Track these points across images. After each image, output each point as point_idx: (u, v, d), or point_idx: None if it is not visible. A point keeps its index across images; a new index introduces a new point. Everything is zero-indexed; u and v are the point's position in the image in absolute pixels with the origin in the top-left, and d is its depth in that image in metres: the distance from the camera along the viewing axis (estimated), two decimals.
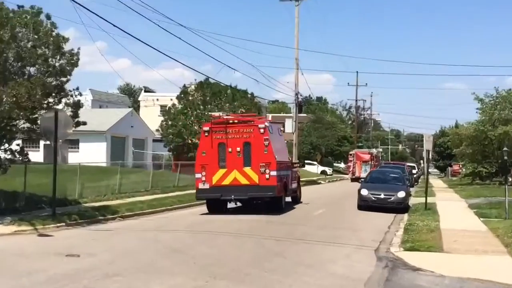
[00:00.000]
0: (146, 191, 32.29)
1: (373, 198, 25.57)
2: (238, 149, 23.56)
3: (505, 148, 23.72)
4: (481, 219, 21.47)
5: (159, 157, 53.77)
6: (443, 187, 49.13)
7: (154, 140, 59.88)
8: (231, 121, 24.19)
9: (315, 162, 73.98)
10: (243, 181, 23.47)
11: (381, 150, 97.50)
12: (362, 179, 30.53)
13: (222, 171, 23.58)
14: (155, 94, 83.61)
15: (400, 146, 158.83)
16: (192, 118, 47.11)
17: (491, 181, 49.60)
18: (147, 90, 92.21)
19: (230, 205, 25.34)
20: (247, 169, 23.43)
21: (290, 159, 28.67)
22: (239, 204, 25.93)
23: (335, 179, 66.27)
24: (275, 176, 23.38)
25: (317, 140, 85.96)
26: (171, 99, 55.04)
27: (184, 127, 46.83)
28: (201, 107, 46.62)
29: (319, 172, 72.66)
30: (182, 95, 49.30)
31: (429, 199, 27.16)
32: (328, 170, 78.84)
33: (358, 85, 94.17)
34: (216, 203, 24.09)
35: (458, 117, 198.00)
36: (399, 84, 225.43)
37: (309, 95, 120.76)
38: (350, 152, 65.73)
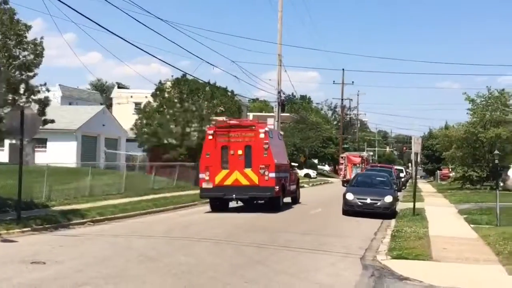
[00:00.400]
0: (119, 194, 32.02)
1: (359, 203, 25.57)
2: (240, 151, 26.54)
3: (496, 152, 23.77)
4: (472, 225, 21.47)
5: (133, 158, 53.47)
6: (432, 192, 49.26)
7: (128, 140, 59.49)
8: (234, 126, 27.24)
9: (297, 165, 75.21)
10: (244, 181, 26.37)
11: (371, 153, 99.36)
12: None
13: (224, 172, 26.53)
14: (129, 90, 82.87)
15: (387, 148, 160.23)
16: (168, 116, 46.79)
17: (481, 185, 49.29)
18: (121, 86, 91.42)
19: (232, 204, 27.93)
20: (248, 171, 26.37)
21: (289, 162, 31.23)
22: (240, 203, 28.45)
23: (320, 183, 66.20)
24: (274, 177, 26.24)
25: (301, 141, 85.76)
26: (146, 96, 54.74)
27: (160, 126, 46.52)
28: (178, 105, 46.31)
29: (302, 175, 72.48)
30: (158, 92, 48.95)
31: (418, 204, 27.11)
32: (312, 173, 78.40)
33: (344, 83, 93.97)
34: (219, 202, 26.94)
35: (448, 118, 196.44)
36: (387, 83, 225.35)
37: (293, 94, 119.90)
38: (342, 155, 69.32)
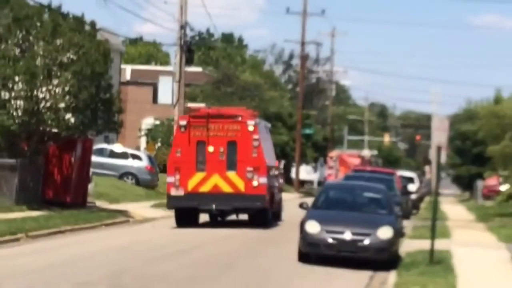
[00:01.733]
0: None
1: (330, 240, 16.26)
2: (222, 149, 22.75)
3: None
4: None
5: None
6: (467, 220, 34.03)
7: None
8: (213, 115, 23.39)
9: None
10: (226, 188, 22.77)
11: (376, 152, 70.20)
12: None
13: (200, 175, 22.75)
14: None
15: (386, 137, 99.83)
16: None
17: None
18: None
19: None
20: (231, 174, 22.80)
21: (278, 163, 28.01)
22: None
23: None
24: (265, 183, 22.81)
25: None
26: None
27: None
28: None
29: None
30: None
31: (440, 244, 17.98)
32: None
33: (308, 14, 56.38)
34: (188, 215, 23.31)
35: (500, 83, 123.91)
36: (386, 16, 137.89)
37: (209, 30, 73.98)
38: (331, 155, 55.97)
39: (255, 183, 22.50)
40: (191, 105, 27.41)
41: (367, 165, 49.45)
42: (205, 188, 22.58)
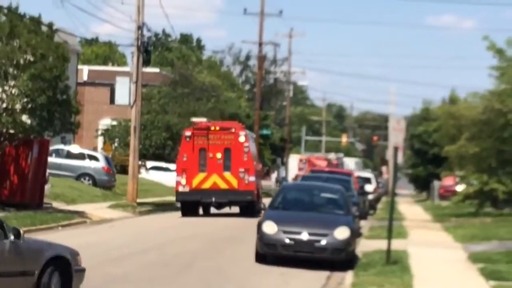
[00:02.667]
0: None
1: (287, 241, 16.05)
2: (219, 154, 27.60)
3: None
4: (492, 282, 14.51)
5: None
6: (424, 220, 33.34)
7: None
8: (212, 128, 28.36)
9: (174, 166, 47.81)
10: (223, 185, 27.61)
11: (341, 155, 68.79)
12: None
13: (202, 175, 27.57)
14: None
15: (344, 138, 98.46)
16: None
17: None
18: None
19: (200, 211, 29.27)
20: (227, 174, 27.62)
21: (260, 167, 34.12)
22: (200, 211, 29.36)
23: None
24: (254, 181, 27.77)
25: (181, 121, 49.69)
26: None
27: None
28: None
29: None
30: None
31: (396, 243, 17.93)
32: None
33: (266, 14, 54.74)
34: (192, 207, 28.21)
35: (456, 84, 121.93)
36: (344, 16, 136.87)
37: (164, 31, 75.46)
38: (301, 157, 58.57)
39: (246, 181, 27.46)
40: (195, 119, 30.96)
41: (333, 167, 49.77)
42: (206, 185, 27.56)
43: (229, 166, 27.68)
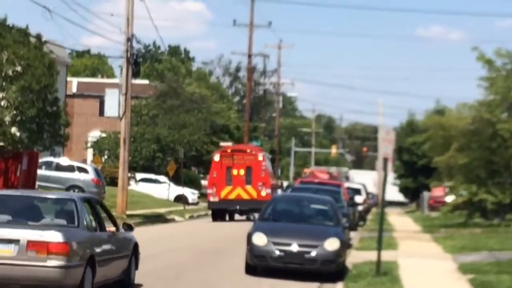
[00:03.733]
0: None
1: (277, 252, 15.91)
2: (242, 171, 33.37)
3: None
4: None
5: None
6: (414, 231, 33.09)
7: None
8: (236, 150, 35.29)
9: (164, 178, 46.24)
10: (245, 196, 33.17)
11: (346, 169, 70.51)
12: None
13: (228, 188, 33.23)
14: None
15: (333, 149, 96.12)
16: None
17: (502, 219, 31.85)
18: None
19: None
20: (248, 187, 33.32)
21: (277, 181, 42.31)
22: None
23: (207, 213, 38.28)
24: (270, 193, 32.73)
25: (170, 133, 50.91)
26: None
27: None
28: None
29: (171, 197, 45.62)
30: None
31: (386, 255, 17.64)
32: (192, 194, 46.76)
33: (255, 26, 55.21)
34: (220, 213, 33.92)
35: (444, 96, 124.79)
36: (333, 28, 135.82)
37: (155, 43, 78.28)
38: (305, 170, 63.10)
39: (263, 193, 32.81)
40: (222, 144, 38.89)
41: (334, 180, 49.29)
42: (232, 196, 33.19)
43: (250, 181, 33.49)
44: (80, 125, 55.71)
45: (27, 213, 11.63)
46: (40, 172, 29.98)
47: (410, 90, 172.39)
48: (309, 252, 15.80)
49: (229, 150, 35.15)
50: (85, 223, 11.54)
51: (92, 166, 38.98)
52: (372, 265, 16.57)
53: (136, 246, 13.32)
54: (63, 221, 11.43)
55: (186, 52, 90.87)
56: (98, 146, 50.80)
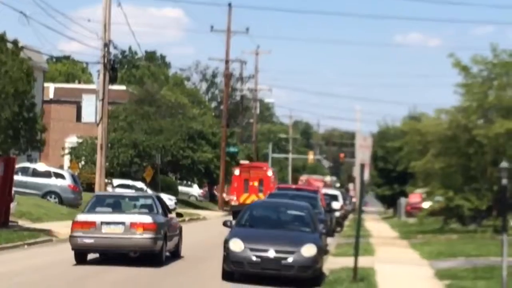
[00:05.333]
0: None
1: (254, 259, 15.73)
2: (256, 183, 44.48)
3: (503, 164, 13.35)
4: None
5: None
6: (391, 237, 32.62)
7: None
8: (252, 166, 48.03)
9: (141, 184, 45.53)
10: None
11: (335, 178, 78.37)
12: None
13: (246, 195, 43.72)
14: None
15: (310, 155, 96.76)
16: None
17: (478, 225, 31.49)
18: None
19: None
20: (260, 194, 42.01)
21: None
22: None
23: (183, 219, 34.67)
24: None
25: (147, 138, 50.57)
26: None
27: None
28: None
29: None
30: None
31: (363, 261, 17.74)
32: (169, 201, 43.07)
33: (233, 32, 56.14)
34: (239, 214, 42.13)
35: (420, 102, 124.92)
36: (310, 34, 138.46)
37: (131, 49, 78.59)
38: (301, 178, 67.94)
39: None
40: (242, 162, 49.92)
41: (330, 187, 57.80)
42: (248, 201, 38.97)
43: (262, 190, 43.18)
44: (57, 130, 55.24)
45: (122, 206, 18.48)
46: (17, 178, 29.66)
47: (387, 97, 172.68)
48: (286, 258, 15.65)
49: (246, 167, 47.74)
50: (160, 211, 18.00)
51: (69, 172, 38.66)
52: (349, 271, 16.45)
53: (181, 229, 19.48)
54: (147, 210, 18.00)
55: (162, 57, 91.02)
56: (75, 152, 50.43)
